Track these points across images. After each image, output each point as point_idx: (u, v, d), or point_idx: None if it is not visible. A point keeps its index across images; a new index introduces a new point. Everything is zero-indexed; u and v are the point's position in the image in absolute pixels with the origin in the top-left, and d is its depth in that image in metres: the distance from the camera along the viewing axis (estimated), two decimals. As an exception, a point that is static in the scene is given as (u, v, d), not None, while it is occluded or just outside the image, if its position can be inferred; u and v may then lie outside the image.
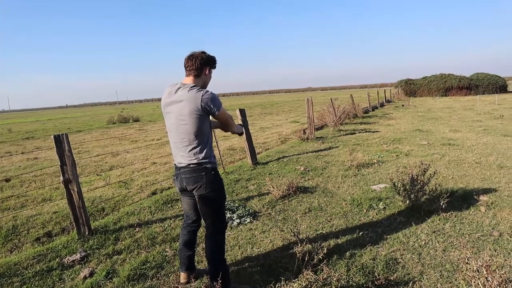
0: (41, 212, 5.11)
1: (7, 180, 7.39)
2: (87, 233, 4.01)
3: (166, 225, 4.23)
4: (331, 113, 12.34)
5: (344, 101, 22.04)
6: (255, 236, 3.78)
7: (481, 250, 3.13)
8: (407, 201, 4.19)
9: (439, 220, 3.86)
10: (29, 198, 5.94)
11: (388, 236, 3.56)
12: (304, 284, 2.44)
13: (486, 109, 17.32)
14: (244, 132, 3.10)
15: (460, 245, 3.22)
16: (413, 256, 3.14)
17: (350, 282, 2.78)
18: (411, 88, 38.64)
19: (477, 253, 3.07)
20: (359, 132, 11.17)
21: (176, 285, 2.70)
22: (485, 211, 4.04)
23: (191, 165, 2.50)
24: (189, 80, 2.53)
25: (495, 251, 3.14)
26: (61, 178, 3.89)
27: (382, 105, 24.12)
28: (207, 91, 2.45)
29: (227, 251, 3.40)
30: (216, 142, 6.75)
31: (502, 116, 13.91)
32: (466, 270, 2.42)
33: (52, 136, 3.83)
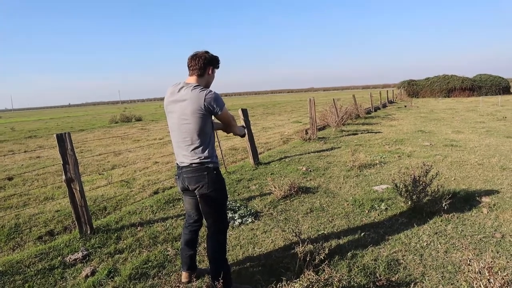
0: (43, 211, 5.12)
1: (10, 179, 7.41)
2: (89, 232, 4.02)
3: (167, 225, 4.23)
4: (333, 114, 12.33)
5: (347, 102, 22.02)
6: (256, 236, 3.78)
7: (483, 252, 3.12)
8: (409, 202, 4.18)
9: (441, 221, 3.85)
10: (32, 197, 5.95)
11: (390, 237, 3.56)
12: (305, 284, 2.44)
13: (489, 111, 17.26)
14: (246, 134, 3.10)
15: (462, 247, 3.21)
16: (414, 257, 3.14)
17: (352, 283, 2.78)
18: (414, 89, 38.58)
19: (479, 255, 3.06)
20: (361, 133, 11.15)
21: (178, 285, 2.70)
22: (488, 212, 4.03)
23: (193, 165, 2.50)
24: (192, 80, 2.53)
25: (497, 253, 3.13)
26: (64, 177, 3.90)
27: (384, 105, 24.09)
28: (210, 90, 2.45)
29: (228, 250, 3.40)
30: (218, 142, 6.75)
31: (505, 117, 13.87)
32: (468, 271, 2.42)
33: (54, 135, 3.85)
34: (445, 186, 4.93)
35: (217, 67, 2.67)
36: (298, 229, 3.54)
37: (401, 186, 4.23)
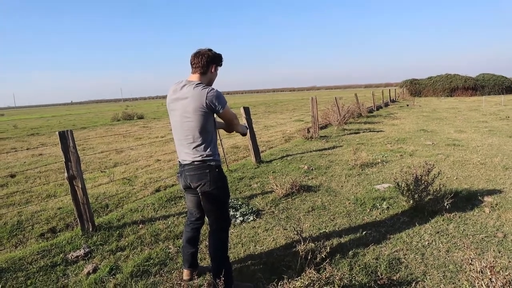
0: (45, 208, 5.14)
1: (12, 176, 7.44)
2: (91, 229, 4.03)
3: (169, 222, 4.24)
4: (336, 112, 12.31)
5: (349, 100, 21.98)
6: (258, 234, 3.78)
7: (485, 251, 3.12)
8: (411, 201, 4.18)
9: (443, 220, 3.85)
10: (34, 194, 5.98)
11: (392, 236, 3.55)
12: (306, 283, 2.44)
13: (492, 110, 17.20)
14: (248, 132, 3.09)
15: (464, 246, 3.21)
16: (416, 256, 3.14)
17: (353, 281, 2.78)
18: (416, 88, 38.49)
19: (481, 254, 3.05)
20: (363, 132, 11.14)
21: (179, 282, 2.70)
22: (490, 212, 4.02)
23: (195, 162, 2.50)
24: (195, 78, 2.53)
25: (499, 252, 3.13)
26: (66, 174, 3.91)
27: (386, 104, 24.04)
28: (212, 88, 2.44)
29: (230, 248, 3.40)
30: (220, 140, 6.75)
31: (508, 117, 13.81)
32: (470, 271, 2.42)
33: (57, 133, 3.85)
34: (447, 185, 4.92)
35: (220, 65, 2.67)
36: (300, 228, 3.54)
37: (403, 185, 4.23)
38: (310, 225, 3.95)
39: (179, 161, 2.64)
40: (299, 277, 2.53)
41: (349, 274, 2.87)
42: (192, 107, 2.40)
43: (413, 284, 2.72)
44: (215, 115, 2.56)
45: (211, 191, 2.52)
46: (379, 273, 2.85)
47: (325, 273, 2.58)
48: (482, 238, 3.41)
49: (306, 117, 17.83)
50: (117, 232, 4.03)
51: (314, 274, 2.52)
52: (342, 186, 5.32)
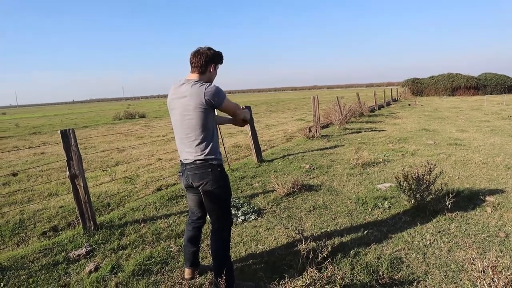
0: (47, 207, 5.15)
1: (15, 175, 7.46)
2: (92, 228, 4.04)
3: (171, 221, 4.25)
4: (337, 112, 12.30)
5: (350, 100, 21.95)
6: (259, 233, 3.79)
7: (487, 251, 3.11)
8: (413, 201, 4.17)
9: (445, 220, 3.84)
10: (36, 193, 5.99)
11: (393, 235, 3.55)
12: (308, 282, 2.43)
13: (494, 109, 17.16)
14: (249, 119, 3.07)
15: (466, 246, 3.21)
16: (418, 256, 3.13)
17: (354, 281, 2.78)
18: (418, 87, 38.41)
19: (483, 254, 3.05)
20: (365, 131, 11.12)
21: (181, 281, 2.70)
22: (492, 212, 4.01)
23: (197, 161, 2.49)
24: (194, 76, 2.52)
25: (501, 252, 3.12)
26: (68, 173, 3.91)
27: (388, 104, 24.00)
28: (210, 84, 2.44)
29: (231, 247, 3.40)
30: (222, 139, 6.76)
31: (510, 116, 13.78)
32: (472, 270, 2.41)
33: (59, 131, 3.86)
34: (449, 185, 4.91)
35: (221, 63, 2.66)
36: (301, 227, 3.54)
37: (404, 185, 4.22)
38: (311, 224, 3.95)
39: (181, 160, 2.64)
40: (301, 276, 2.53)
41: (350, 274, 2.87)
42: (192, 105, 2.40)
43: (415, 283, 2.72)
44: (216, 112, 2.55)
45: (213, 190, 2.52)
46: (380, 273, 2.84)
47: (326, 272, 2.58)
48: (484, 238, 3.41)
49: (308, 116, 17.82)
50: (119, 230, 4.04)
51: (316, 273, 2.52)
52: (343, 186, 5.32)
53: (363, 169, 6.19)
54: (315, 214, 4.24)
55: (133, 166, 7.92)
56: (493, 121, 12.46)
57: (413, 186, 4.12)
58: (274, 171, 6.40)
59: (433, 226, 3.72)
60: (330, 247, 3.06)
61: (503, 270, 2.26)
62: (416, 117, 14.85)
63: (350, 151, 7.72)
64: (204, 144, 2.48)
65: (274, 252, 3.32)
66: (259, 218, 4.19)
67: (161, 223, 4.20)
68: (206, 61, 2.51)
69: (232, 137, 11.49)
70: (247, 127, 7.23)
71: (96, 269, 3.19)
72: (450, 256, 3.10)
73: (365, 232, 3.65)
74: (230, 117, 2.82)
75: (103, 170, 7.56)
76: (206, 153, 2.49)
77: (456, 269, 2.88)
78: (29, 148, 11.93)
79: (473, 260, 2.42)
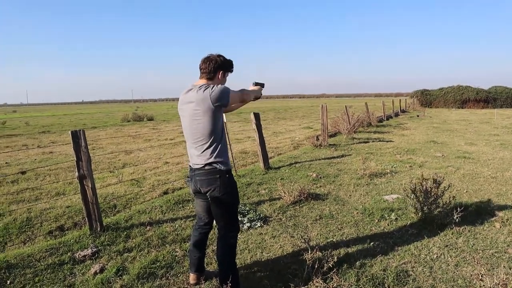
0: (54, 206, 5.19)
1: (23, 173, 7.53)
2: (99, 229, 4.05)
3: (176, 225, 4.25)
4: (345, 121, 12.27)
5: (359, 109, 21.89)
6: (265, 240, 3.77)
7: (495, 267, 3.06)
8: (420, 213, 4.13)
9: (452, 234, 3.80)
10: (44, 192, 6.04)
11: (400, 248, 3.52)
12: (313, 292, 2.42)
13: (504, 123, 17.00)
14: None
15: (474, 261, 3.17)
16: (424, 269, 3.10)
17: (360, 293, 2.76)
18: (427, 98, 38.21)
19: (491, 270, 3.00)
20: (372, 141, 11.08)
21: (185, 286, 2.72)
22: (500, 227, 3.96)
23: (206, 167, 2.50)
24: (201, 82, 2.55)
25: (510, 269, 3.07)
26: (76, 173, 3.94)
27: (397, 114, 23.90)
28: (213, 85, 2.44)
29: (236, 254, 3.39)
30: (229, 145, 6.77)
31: (520, 131, 13.64)
32: (480, 287, 2.38)
33: (69, 132, 3.90)
34: (457, 199, 4.86)
35: (231, 71, 2.68)
36: (307, 236, 3.52)
37: (412, 197, 4.19)
38: (317, 233, 3.93)
39: (190, 165, 2.65)
40: (306, 286, 2.52)
41: (356, 285, 2.84)
42: (200, 110, 2.41)
43: (421, 297, 2.69)
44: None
45: (221, 197, 2.52)
46: (386, 285, 2.82)
47: (332, 283, 2.57)
48: (492, 254, 3.36)
49: (315, 124, 17.80)
50: (125, 233, 4.05)
51: (321, 284, 2.51)
52: (350, 196, 5.29)
53: (370, 180, 6.16)
54: (321, 224, 4.22)
55: (140, 168, 7.95)
56: (503, 135, 12.33)
57: (420, 199, 4.09)
58: (281, 179, 6.39)
59: (440, 239, 3.68)
60: (336, 257, 3.03)
61: (512, 288, 2.23)
62: (424, 129, 14.76)
63: (358, 161, 7.69)
64: (212, 148, 2.49)
65: (280, 261, 3.30)
66: (265, 226, 4.18)
67: (167, 227, 4.21)
68: (215, 68, 2.53)
69: (240, 143, 11.51)
70: (255, 134, 7.24)
71: (101, 270, 3.20)
72: (457, 271, 3.06)
73: (371, 243, 3.62)
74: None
75: (110, 172, 7.61)
76: (214, 156, 2.49)
77: (463, 285, 2.84)
78: (38, 147, 12.06)
79: (481, 276, 2.39)
